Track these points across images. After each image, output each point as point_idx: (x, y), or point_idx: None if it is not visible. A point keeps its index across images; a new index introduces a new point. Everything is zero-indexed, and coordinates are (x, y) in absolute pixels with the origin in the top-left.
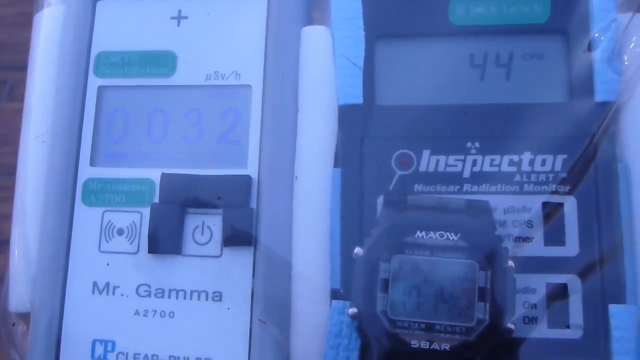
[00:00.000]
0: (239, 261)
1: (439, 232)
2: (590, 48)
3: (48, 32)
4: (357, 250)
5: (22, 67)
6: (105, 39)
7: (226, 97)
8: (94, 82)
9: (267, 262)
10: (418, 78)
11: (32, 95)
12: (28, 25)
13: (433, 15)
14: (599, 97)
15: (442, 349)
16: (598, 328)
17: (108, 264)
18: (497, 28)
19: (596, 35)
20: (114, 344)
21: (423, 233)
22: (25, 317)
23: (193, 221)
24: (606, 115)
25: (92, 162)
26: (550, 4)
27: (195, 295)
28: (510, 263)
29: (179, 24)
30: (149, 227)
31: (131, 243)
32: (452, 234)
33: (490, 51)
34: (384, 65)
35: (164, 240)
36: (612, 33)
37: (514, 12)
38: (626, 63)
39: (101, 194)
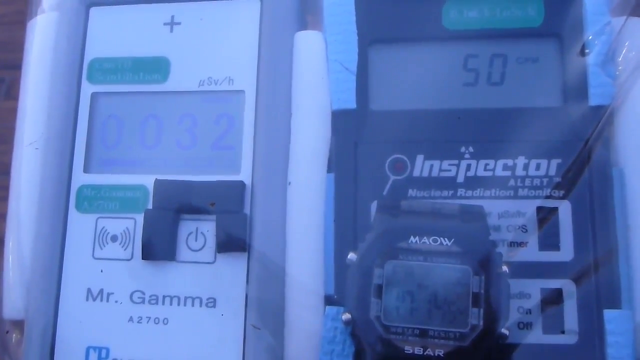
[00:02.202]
0: (233, 267)
1: (432, 238)
2: (584, 52)
3: (41, 39)
4: (351, 255)
5: (19, 66)
6: (99, 46)
7: (219, 102)
8: (88, 89)
9: (261, 268)
10: (412, 83)
11: (26, 102)
12: (25, 23)
13: (426, 20)
14: (593, 101)
15: (436, 354)
16: (593, 333)
17: (102, 271)
18: (490, 32)
19: (590, 38)
20: (108, 350)
21: (417, 238)
22: (19, 324)
23: (187, 227)
24: (600, 119)
25: (86, 169)
26: (544, 8)
27: (189, 301)
28: (504, 268)
29: (172, 30)
30: (142, 234)
31: (125, 249)
32: (446, 239)
33: (483, 55)
34: (377, 70)
35: (158, 246)
36: (606, 37)
37: (508, 16)
38: (620, 67)
39: (95, 200)
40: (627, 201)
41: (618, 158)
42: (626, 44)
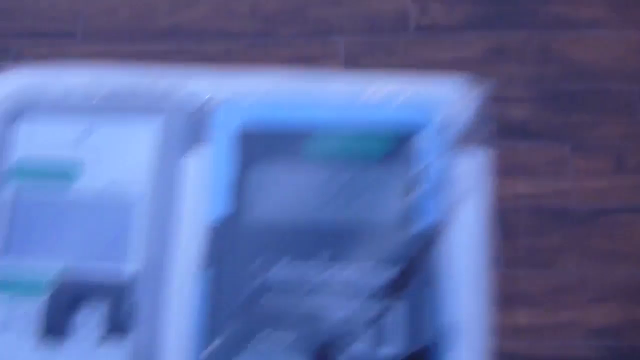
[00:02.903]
0: (118, 349)
1: (277, 336)
2: (417, 180)
3: None
4: (204, 352)
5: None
6: (24, 148)
7: (119, 204)
8: (12, 184)
9: (144, 350)
10: (280, 198)
11: None
12: None
13: (292, 149)
14: (426, 220)
15: None
16: None
17: (5, 349)
18: (342, 160)
19: (424, 168)
20: None
21: (264, 338)
22: None
23: (82, 312)
24: (432, 232)
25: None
26: (386, 143)
27: None
28: None
29: (86, 138)
30: (43, 315)
31: (27, 329)
32: (287, 337)
33: (337, 179)
34: (250, 187)
35: (56, 327)
36: (438, 167)
37: (358, 148)
38: (449, 193)
39: (4, 284)
40: (452, 301)
41: (446, 266)
42: (456, 173)
